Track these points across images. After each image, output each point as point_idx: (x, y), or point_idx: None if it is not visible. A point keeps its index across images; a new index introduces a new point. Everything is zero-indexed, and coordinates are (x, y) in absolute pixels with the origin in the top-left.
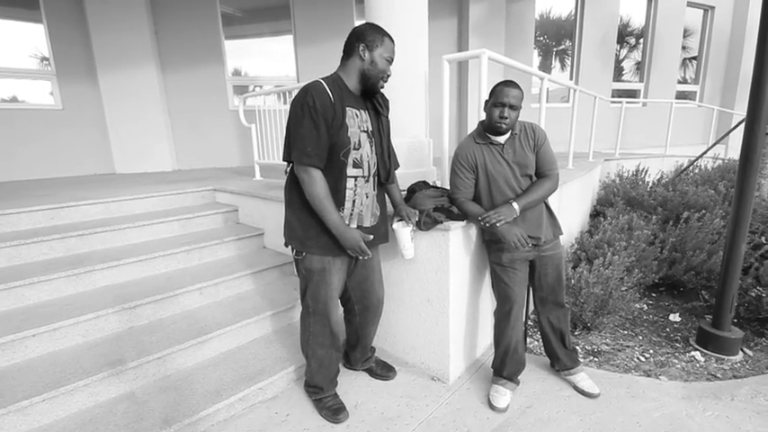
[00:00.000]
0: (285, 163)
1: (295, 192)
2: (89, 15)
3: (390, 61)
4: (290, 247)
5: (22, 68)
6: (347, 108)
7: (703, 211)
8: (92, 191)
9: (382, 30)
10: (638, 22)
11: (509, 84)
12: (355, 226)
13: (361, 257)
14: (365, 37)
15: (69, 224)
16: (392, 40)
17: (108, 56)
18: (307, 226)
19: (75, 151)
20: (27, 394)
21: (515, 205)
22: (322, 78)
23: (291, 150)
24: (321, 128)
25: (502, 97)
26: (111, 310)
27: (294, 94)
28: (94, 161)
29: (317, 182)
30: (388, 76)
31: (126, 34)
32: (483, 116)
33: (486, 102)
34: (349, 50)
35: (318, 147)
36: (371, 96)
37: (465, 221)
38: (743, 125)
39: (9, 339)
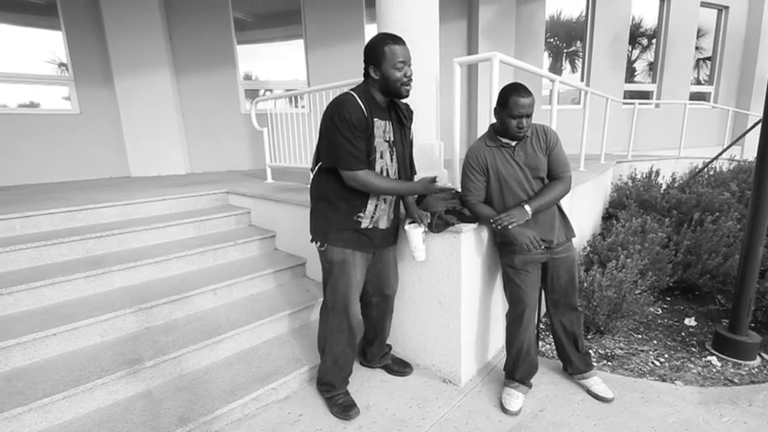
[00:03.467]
0: (295, 166)
1: (324, 188)
2: (106, 22)
3: (403, 64)
4: (314, 242)
5: (41, 74)
6: (375, 119)
7: (717, 214)
8: (108, 194)
9: (382, 40)
10: (650, 22)
11: (520, 93)
12: (371, 227)
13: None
14: (370, 57)
15: (87, 226)
16: (396, 43)
17: (124, 61)
18: (331, 220)
19: (91, 155)
20: (48, 392)
21: (527, 208)
22: (353, 90)
23: (336, 159)
24: (358, 138)
25: (518, 109)
26: (128, 310)
27: (306, 98)
28: (110, 164)
29: (372, 179)
30: (408, 77)
31: (141, 40)
32: (494, 119)
33: (497, 108)
34: (366, 70)
35: (360, 152)
36: (397, 107)
37: (477, 224)
38: (759, 126)
39: (30, 338)
